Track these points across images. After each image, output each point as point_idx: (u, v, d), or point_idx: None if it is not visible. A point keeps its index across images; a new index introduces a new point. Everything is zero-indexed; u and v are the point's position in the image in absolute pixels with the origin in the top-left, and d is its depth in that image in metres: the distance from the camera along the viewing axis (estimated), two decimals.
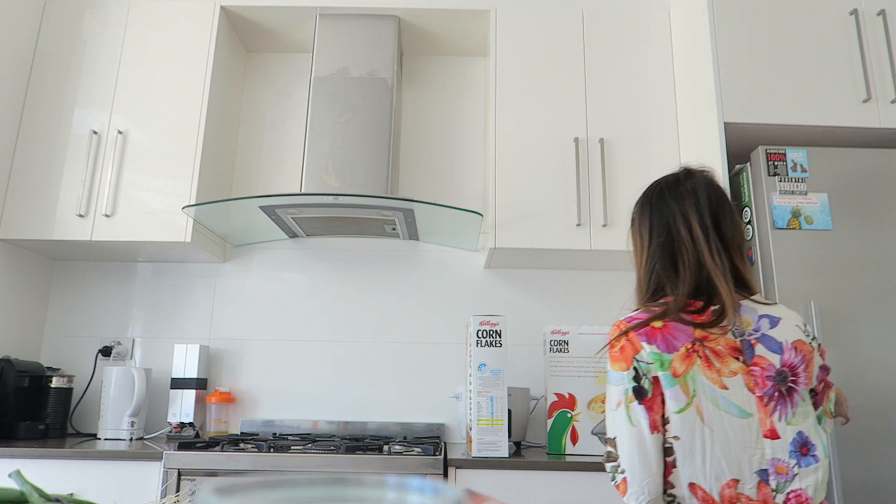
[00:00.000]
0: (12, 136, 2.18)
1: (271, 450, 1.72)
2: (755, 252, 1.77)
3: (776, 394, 0.98)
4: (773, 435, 0.97)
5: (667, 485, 1.01)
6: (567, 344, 1.89)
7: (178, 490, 1.66)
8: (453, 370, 2.34)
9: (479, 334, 1.78)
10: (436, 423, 2.27)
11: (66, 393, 2.16)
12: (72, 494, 0.62)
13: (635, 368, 1.04)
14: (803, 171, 1.78)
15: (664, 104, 2.25)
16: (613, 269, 2.42)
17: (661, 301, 1.09)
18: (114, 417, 2.08)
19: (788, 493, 0.95)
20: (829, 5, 1.99)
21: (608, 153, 2.19)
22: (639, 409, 1.02)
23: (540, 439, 2.23)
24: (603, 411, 1.86)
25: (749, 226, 1.81)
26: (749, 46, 1.96)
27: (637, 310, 1.12)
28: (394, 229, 2.31)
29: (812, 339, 1.06)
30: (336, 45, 2.31)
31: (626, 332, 1.07)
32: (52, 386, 2.12)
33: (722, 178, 1.84)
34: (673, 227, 1.10)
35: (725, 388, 0.99)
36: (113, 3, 2.31)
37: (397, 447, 1.78)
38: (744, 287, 1.09)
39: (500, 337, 1.78)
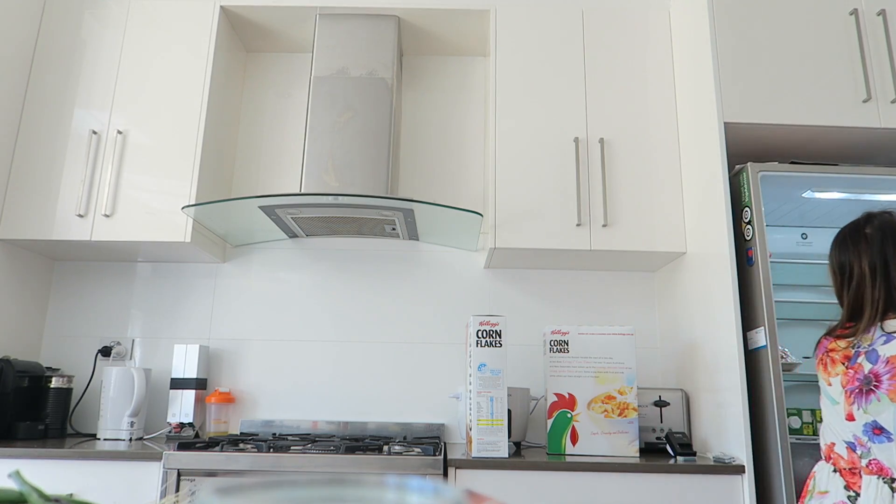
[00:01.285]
0: (12, 136, 2.18)
1: (271, 450, 1.72)
2: (755, 252, 1.77)
3: (857, 391, 1.30)
4: (850, 418, 1.30)
5: None
6: (567, 344, 1.89)
7: (177, 490, 1.66)
8: (453, 370, 2.34)
9: (479, 334, 1.78)
10: (436, 424, 2.27)
11: (66, 393, 2.16)
12: (71, 495, 0.62)
13: None
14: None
15: (664, 104, 2.26)
16: (613, 269, 2.42)
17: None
18: (113, 417, 2.08)
19: (870, 460, 1.26)
20: (829, 5, 1.99)
21: (608, 153, 2.19)
22: None
23: (540, 439, 2.24)
24: (602, 411, 1.86)
25: (749, 226, 1.81)
26: (749, 46, 1.96)
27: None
28: (394, 229, 2.31)
29: None
30: (336, 45, 2.31)
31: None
32: (52, 386, 2.12)
33: (722, 178, 1.85)
34: (847, 266, 1.41)
35: (830, 384, 1.36)
36: (113, 3, 2.31)
37: (397, 447, 1.78)
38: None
39: (500, 337, 1.78)
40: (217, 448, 1.73)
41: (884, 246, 1.36)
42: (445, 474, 1.69)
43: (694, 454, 1.81)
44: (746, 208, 1.83)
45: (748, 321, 1.78)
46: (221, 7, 2.32)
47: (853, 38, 1.95)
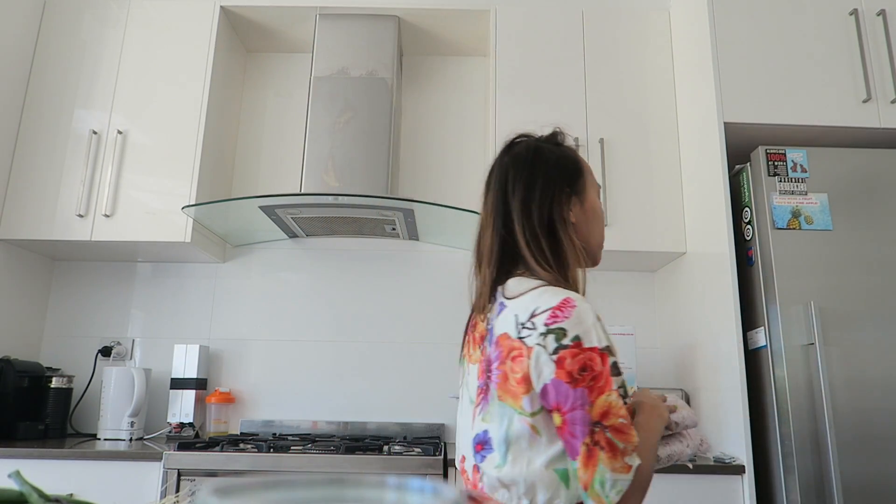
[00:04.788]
0: (12, 136, 2.18)
1: (271, 450, 1.72)
2: (755, 252, 1.77)
3: (483, 386, 0.92)
4: (474, 426, 0.93)
5: None
6: None
7: (177, 490, 1.66)
8: (453, 370, 2.34)
9: None
10: (436, 423, 2.27)
11: (66, 393, 2.16)
12: (71, 494, 0.62)
13: None
14: (803, 171, 1.78)
15: (664, 104, 2.25)
16: (614, 269, 2.42)
17: None
18: (113, 417, 2.08)
19: (481, 483, 0.91)
20: (829, 5, 1.99)
21: (608, 153, 2.19)
22: None
23: None
24: None
25: (749, 226, 1.81)
26: (749, 46, 1.96)
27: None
28: (394, 229, 2.31)
29: (541, 334, 0.85)
30: (336, 45, 2.31)
31: None
32: (52, 386, 2.12)
33: (722, 178, 1.85)
34: (484, 199, 1.08)
35: (469, 373, 0.98)
36: (113, 3, 2.31)
37: (397, 447, 1.78)
38: (521, 267, 0.97)
39: None
40: (217, 448, 1.73)
41: (506, 178, 1.00)
42: (445, 474, 1.69)
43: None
44: (746, 208, 1.83)
45: (748, 321, 1.78)
46: (221, 7, 2.32)
47: (853, 38, 1.95)
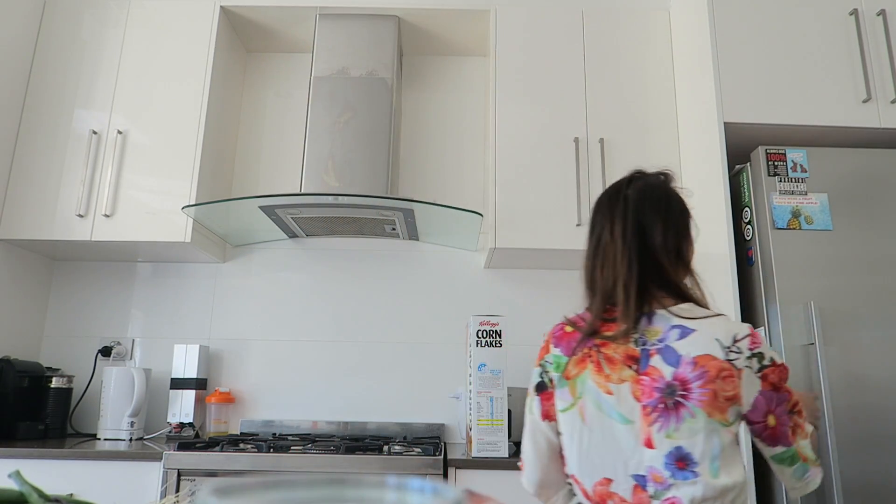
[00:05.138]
0: (12, 136, 2.18)
1: (271, 450, 1.72)
2: (755, 252, 1.77)
3: (660, 406, 0.97)
4: (649, 444, 0.97)
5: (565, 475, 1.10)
6: None
7: (177, 490, 1.66)
8: (453, 370, 2.34)
9: (479, 334, 1.78)
10: (436, 423, 2.27)
11: (66, 393, 2.16)
12: (71, 495, 0.62)
13: (542, 366, 1.13)
14: (803, 171, 1.78)
15: (664, 104, 2.25)
16: None
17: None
18: (113, 418, 2.08)
19: (664, 500, 0.96)
20: (829, 5, 1.99)
21: (608, 153, 2.19)
22: (536, 400, 1.12)
23: None
24: None
25: (749, 226, 1.81)
26: (749, 46, 1.96)
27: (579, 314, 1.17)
28: (394, 229, 2.31)
29: (747, 358, 0.98)
30: (336, 45, 2.31)
31: (549, 334, 1.16)
32: (52, 386, 2.12)
33: (722, 178, 1.85)
34: (605, 227, 1.11)
35: (610, 393, 1.01)
36: (113, 3, 2.31)
37: (397, 447, 1.78)
38: (677, 296, 1.05)
39: (500, 337, 1.78)
40: (217, 448, 1.73)
41: (645, 210, 1.08)
42: (445, 474, 1.69)
43: None
44: (746, 208, 1.83)
45: (748, 321, 1.78)
46: (221, 7, 2.32)
47: (853, 38, 1.95)
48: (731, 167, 1.90)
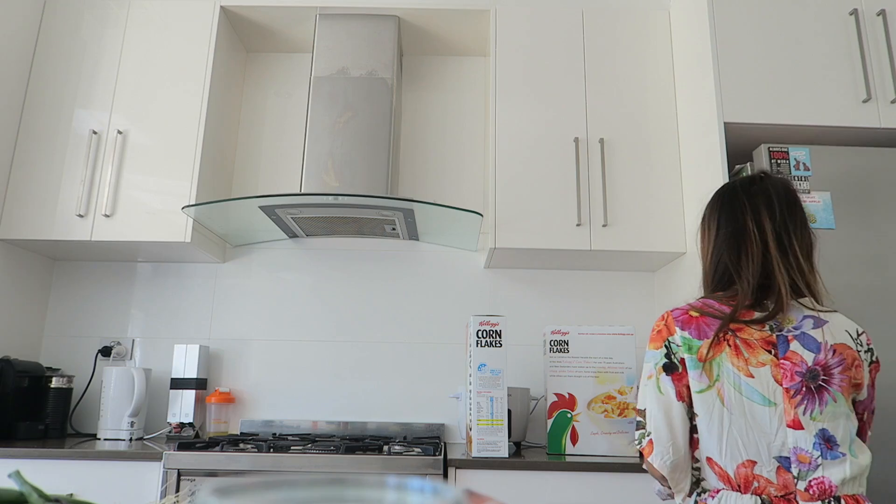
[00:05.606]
0: (12, 136, 2.18)
1: (271, 450, 1.72)
2: None
3: (804, 389, 1.03)
4: (796, 426, 1.02)
5: (692, 458, 1.12)
6: (567, 344, 1.89)
7: (177, 490, 1.66)
8: (453, 370, 2.34)
9: (479, 334, 1.78)
10: (436, 423, 2.27)
11: (66, 393, 2.16)
12: (71, 495, 0.62)
13: (667, 347, 1.14)
14: (806, 169, 1.78)
15: (664, 104, 2.25)
16: (613, 269, 2.42)
17: (730, 290, 1.15)
18: (113, 417, 2.08)
19: (811, 481, 1.00)
20: (829, 5, 1.99)
21: (608, 153, 2.19)
22: (667, 380, 1.12)
23: (540, 439, 2.23)
24: (602, 411, 1.86)
25: None
26: (749, 46, 1.96)
27: (700, 298, 1.19)
28: (394, 229, 2.31)
29: (865, 352, 1.10)
30: (336, 45, 2.31)
31: (665, 318, 1.17)
32: (52, 386, 2.12)
33: (722, 178, 1.85)
34: (741, 220, 1.16)
35: (751, 376, 1.05)
36: (113, 3, 2.31)
37: (397, 447, 1.78)
38: (802, 291, 1.13)
39: (500, 337, 1.78)
40: (217, 448, 1.73)
41: (786, 206, 1.16)
42: (445, 474, 1.69)
43: None
44: None
45: None
46: (221, 7, 2.32)
47: (853, 38, 1.95)
48: (731, 167, 1.90)
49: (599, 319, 2.39)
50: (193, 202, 2.12)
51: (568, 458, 1.75)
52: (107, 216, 2.12)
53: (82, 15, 2.30)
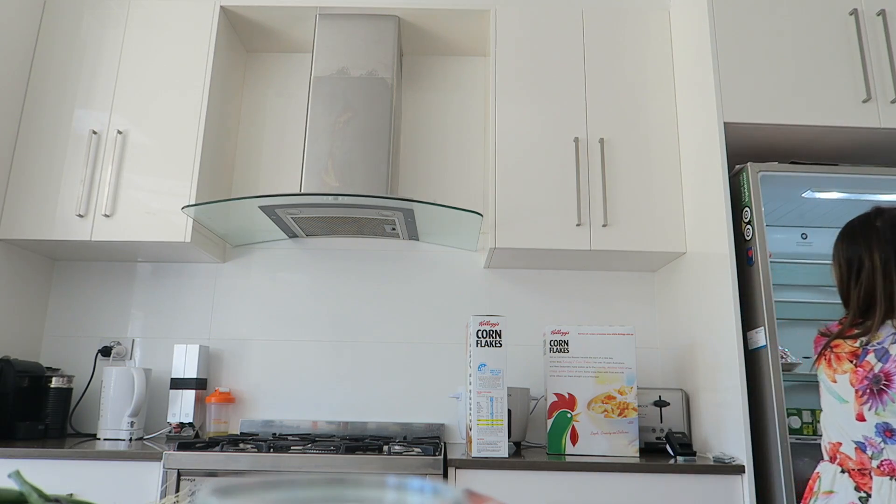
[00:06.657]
0: (12, 136, 2.18)
1: (271, 450, 1.72)
2: (755, 252, 1.77)
3: (868, 390, 1.29)
4: (860, 418, 1.30)
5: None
6: (567, 344, 1.89)
7: (177, 490, 1.66)
8: (453, 370, 2.34)
9: (479, 334, 1.78)
10: (436, 423, 2.27)
11: (66, 393, 2.16)
12: (71, 494, 0.62)
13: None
14: None
15: (664, 104, 2.25)
16: (613, 269, 2.42)
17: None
18: (113, 417, 2.08)
19: (882, 461, 1.26)
20: (829, 5, 1.99)
21: (608, 153, 2.19)
22: None
23: (540, 439, 2.24)
24: (602, 411, 1.86)
25: (749, 226, 1.81)
26: (749, 46, 1.96)
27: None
28: (393, 229, 2.31)
29: None
30: (336, 45, 2.31)
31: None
32: (52, 386, 2.12)
33: (722, 178, 1.85)
34: (860, 260, 1.38)
35: (835, 381, 1.36)
36: (113, 3, 2.31)
37: (397, 447, 1.78)
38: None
39: (500, 337, 1.78)
40: (217, 448, 1.73)
41: (891, 239, 1.35)
42: (445, 474, 1.69)
43: (694, 454, 1.81)
44: (746, 208, 1.83)
45: (748, 321, 1.78)
46: (221, 7, 2.32)
47: (853, 38, 1.95)
48: (731, 167, 1.90)
49: (599, 319, 2.39)
50: (193, 202, 2.12)
51: (568, 458, 1.75)
52: (107, 216, 2.12)
53: (82, 15, 2.30)
